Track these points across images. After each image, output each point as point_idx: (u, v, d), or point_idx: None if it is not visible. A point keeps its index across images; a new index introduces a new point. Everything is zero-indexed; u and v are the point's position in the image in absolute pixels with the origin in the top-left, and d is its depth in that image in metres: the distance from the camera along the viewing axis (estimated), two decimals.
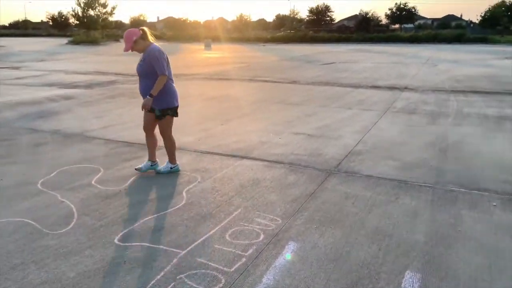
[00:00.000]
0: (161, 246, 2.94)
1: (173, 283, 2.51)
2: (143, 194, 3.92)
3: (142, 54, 4.14)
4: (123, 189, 4.03)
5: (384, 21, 65.59)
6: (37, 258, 2.77)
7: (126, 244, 2.97)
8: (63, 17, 58.76)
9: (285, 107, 8.57)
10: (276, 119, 7.29)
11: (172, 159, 4.49)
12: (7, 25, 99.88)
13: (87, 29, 43.53)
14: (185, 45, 42.34)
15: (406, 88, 11.10)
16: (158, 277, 2.58)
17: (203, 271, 2.65)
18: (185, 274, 2.60)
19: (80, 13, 42.66)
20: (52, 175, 4.40)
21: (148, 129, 4.39)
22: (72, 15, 44.52)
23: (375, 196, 3.86)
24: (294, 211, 3.54)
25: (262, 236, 3.11)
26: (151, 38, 4.14)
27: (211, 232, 3.16)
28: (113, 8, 44.00)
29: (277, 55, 26.30)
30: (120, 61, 21.74)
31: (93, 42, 40.06)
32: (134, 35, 4.00)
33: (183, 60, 22.45)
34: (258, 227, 3.25)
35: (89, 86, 11.84)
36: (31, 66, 18.17)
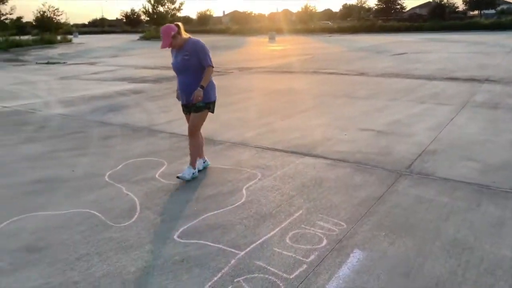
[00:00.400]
0: (220, 246, 2.86)
1: (230, 287, 2.41)
2: (204, 189, 3.88)
3: (178, 50, 4.01)
4: (185, 183, 4.03)
5: (461, 7, 61.12)
6: (100, 250, 2.82)
7: (185, 241, 2.93)
8: (135, 14, 61.89)
9: (351, 101, 8.19)
10: (341, 114, 6.98)
11: (193, 161, 4.17)
12: (87, 23, 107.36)
13: (156, 25, 45.39)
14: (250, 38, 42.61)
15: (487, 80, 10.13)
16: (215, 278, 2.50)
17: (262, 275, 2.52)
18: (243, 278, 2.50)
19: (150, 10, 44.59)
20: (119, 167, 4.53)
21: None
22: (143, 12, 46.73)
23: (452, 202, 3.48)
24: (361, 216, 3.29)
25: (324, 242, 2.91)
26: (185, 34, 4.01)
27: (270, 234, 3.02)
28: (181, 4, 45.44)
29: (343, 46, 25.49)
30: None
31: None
32: (172, 30, 3.88)
33: (247, 54, 22.55)
34: (320, 231, 3.06)
35: (157, 80, 12.25)
36: (105, 62, 19.27)
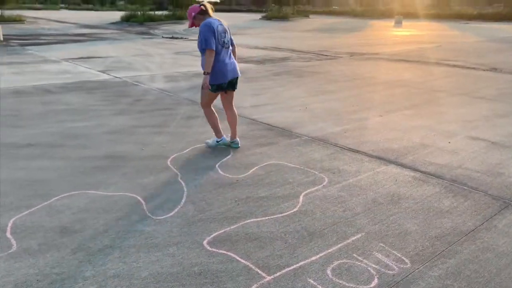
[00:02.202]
0: (248, 263, 2.48)
1: None
2: (258, 188, 3.50)
3: None
4: (241, 179, 3.71)
5: None
6: (124, 244, 2.66)
7: (213, 249, 2.61)
8: None
9: (470, 101, 6.93)
10: (452, 116, 5.90)
11: (216, 134, 4.51)
12: (218, 1, 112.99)
13: (280, 5, 45.43)
14: (374, 22, 40.07)
15: None
16: None
17: None
18: None
19: None
20: (185, 151, 4.40)
21: (224, 106, 4.53)
22: None
23: None
24: (434, 254, 2.59)
25: (374, 282, 2.32)
26: (211, 13, 4.12)
27: (311, 259, 2.53)
28: None
29: (480, 35, 22.26)
30: (301, 37, 21.84)
31: (284, 17, 41.53)
32: (193, 11, 4.04)
33: (365, 38, 21.12)
34: (374, 266, 2.47)
35: (261, 61, 12.07)
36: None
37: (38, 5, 69.35)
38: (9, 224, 2.86)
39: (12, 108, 6.13)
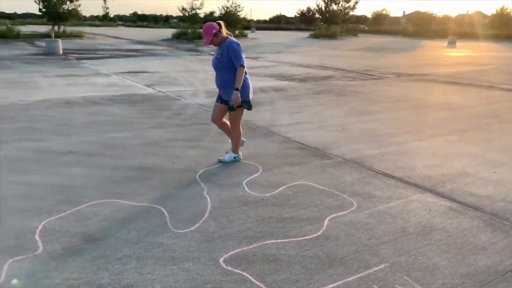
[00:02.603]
0: (261, 285, 2.42)
1: None
2: (282, 209, 3.44)
3: (218, 48, 4.22)
4: (267, 198, 3.66)
5: None
6: (143, 255, 2.69)
7: (228, 268, 2.58)
8: (311, 12, 63.23)
9: None
10: (501, 144, 5.55)
11: (236, 149, 4.56)
12: (267, 19, 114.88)
13: (328, 24, 45.41)
14: (427, 42, 39.01)
15: None
16: None
17: None
18: None
19: (323, 8, 44.77)
20: (215, 166, 4.43)
21: (216, 120, 4.52)
22: (316, 10, 47.31)
23: None
24: None
25: None
26: (226, 32, 4.22)
27: (327, 286, 2.43)
28: (356, 2, 44.25)
29: None
30: (348, 56, 21.65)
31: (332, 36, 41.53)
32: (214, 28, 4.08)
33: (415, 58, 20.56)
34: None
35: (304, 79, 12.05)
36: (266, 57, 20.04)
37: (97, 22, 73.87)
38: (39, 227, 2.99)
39: (62, 117, 6.48)
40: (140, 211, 3.33)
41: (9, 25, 29.13)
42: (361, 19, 76.43)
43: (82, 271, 2.49)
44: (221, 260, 2.67)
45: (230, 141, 4.61)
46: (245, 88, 4.21)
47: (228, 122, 4.50)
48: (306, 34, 47.77)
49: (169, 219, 3.19)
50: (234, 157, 4.55)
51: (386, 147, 5.30)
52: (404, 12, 75.48)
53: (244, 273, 2.53)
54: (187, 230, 3.04)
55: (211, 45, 4.20)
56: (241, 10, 40.54)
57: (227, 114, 4.44)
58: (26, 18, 79.94)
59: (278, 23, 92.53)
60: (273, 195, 3.72)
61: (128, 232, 2.98)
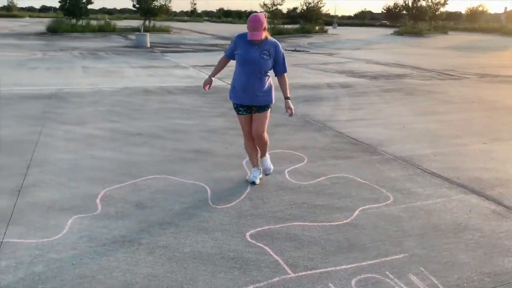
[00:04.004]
0: (278, 259, 2.65)
1: None
2: (317, 197, 3.61)
3: (255, 44, 3.46)
4: (304, 186, 3.85)
5: None
6: (181, 223, 3.05)
7: (253, 241, 2.84)
8: (398, 8, 60.41)
9: None
10: None
11: (264, 154, 3.95)
12: (352, 15, 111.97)
13: (415, 20, 43.12)
14: None
15: None
16: None
17: None
18: None
19: (410, 4, 42.59)
20: None
21: (250, 133, 3.81)
22: (402, 6, 45.15)
23: None
24: None
25: None
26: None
27: (340, 267, 2.58)
28: None
29: None
30: (431, 54, 20.54)
31: (418, 33, 39.36)
32: (264, 21, 3.40)
33: (507, 59, 18.88)
34: (403, 286, 2.41)
35: (375, 77, 11.81)
36: (343, 54, 19.78)
37: (185, 18, 77.95)
38: (101, 193, 3.51)
39: (138, 103, 7.21)
40: (187, 187, 3.72)
41: (107, 20, 32.01)
42: (454, 16, 71.24)
43: (128, 230, 2.92)
44: (247, 234, 2.94)
45: (260, 156, 3.97)
46: (272, 92, 3.69)
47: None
48: (390, 31, 45.82)
49: (210, 196, 3.54)
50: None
51: (442, 148, 5.16)
52: (505, 8, 68.71)
53: (265, 247, 2.77)
54: (223, 206, 3.36)
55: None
56: (323, 6, 40.18)
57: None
58: (124, 13, 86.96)
59: (363, 19, 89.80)
60: (311, 184, 3.90)
61: (173, 203, 3.38)
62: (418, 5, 42.19)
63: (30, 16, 70.75)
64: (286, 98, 3.63)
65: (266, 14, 3.62)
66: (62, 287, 2.30)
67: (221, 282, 2.40)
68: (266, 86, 3.59)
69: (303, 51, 21.21)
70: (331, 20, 58.17)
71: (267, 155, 3.98)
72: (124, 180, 3.81)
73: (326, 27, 42.18)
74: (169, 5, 34.60)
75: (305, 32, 36.78)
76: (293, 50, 21.29)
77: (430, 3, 42.17)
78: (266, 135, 3.82)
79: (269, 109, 3.74)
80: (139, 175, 3.93)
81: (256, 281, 2.41)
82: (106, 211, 3.20)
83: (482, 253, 2.80)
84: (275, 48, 3.51)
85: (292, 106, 3.65)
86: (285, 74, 3.62)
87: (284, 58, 3.58)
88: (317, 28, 39.08)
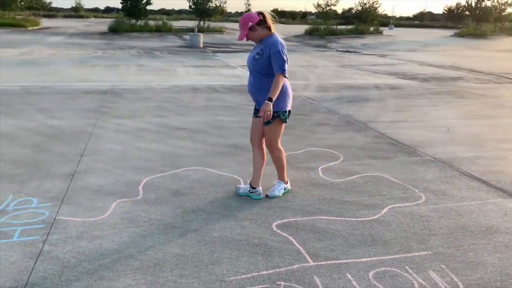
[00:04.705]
0: (300, 248, 2.77)
1: (267, 285, 2.37)
2: (347, 194, 3.67)
3: (258, 44, 3.31)
4: (336, 183, 3.92)
5: None
6: (212, 210, 3.25)
7: (278, 231, 2.98)
8: (460, 8, 57.58)
9: None
10: None
11: (282, 176, 3.59)
12: (411, 16, 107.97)
13: (478, 21, 40.86)
14: None
15: None
16: (264, 272, 2.49)
17: None
18: (285, 284, 2.38)
19: (473, 4, 40.40)
20: (298, 151, 4.82)
21: (253, 138, 3.54)
22: (465, 6, 42.94)
23: None
24: None
25: None
26: (272, 27, 3.25)
27: (361, 259, 2.65)
28: None
29: None
30: (491, 57, 19.47)
31: (481, 35, 37.26)
32: (251, 20, 3.17)
33: None
34: (421, 281, 2.44)
35: (427, 79, 11.46)
36: (396, 55, 19.27)
37: (239, 18, 79.07)
38: (144, 181, 3.80)
39: (185, 100, 7.57)
40: (222, 179, 3.93)
41: (164, 20, 33.34)
42: None
43: (164, 215, 3.17)
44: (274, 224, 3.08)
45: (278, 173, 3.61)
46: (283, 96, 3.28)
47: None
48: (450, 32, 43.79)
49: (242, 188, 3.71)
50: (284, 188, 3.62)
51: (486, 152, 4.99)
52: None
53: (290, 237, 2.90)
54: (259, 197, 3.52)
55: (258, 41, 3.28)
56: (379, 6, 39.22)
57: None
58: (181, 14, 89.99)
59: (422, 20, 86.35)
60: (343, 182, 3.96)
61: (207, 193, 3.60)
62: (482, 5, 39.92)
63: (95, 17, 75.34)
64: (267, 98, 3.15)
65: (266, 13, 3.29)
66: (102, 259, 2.58)
67: (244, 265, 2.56)
68: (266, 91, 3.21)
69: (355, 52, 20.93)
70: (387, 21, 56.57)
71: (277, 184, 3.59)
72: (166, 170, 4.09)
73: (382, 28, 41.12)
74: (224, 6, 35.44)
75: (358, 33, 36.14)
76: (344, 51, 21.08)
77: (496, 3, 39.79)
78: (277, 152, 3.50)
79: (276, 120, 3.32)
80: (179, 166, 4.20)
81: (276, 267, 2.55)
82: (146, 197, 3.48)
83: (510, 256, 2.74)
84: (270, 47, 3.17)
85: (266, 109, 3.12)
86: (280, 74, 3.15)
87: (277, 57, 3.14)
88: (371, 29, 38.22)
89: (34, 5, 49.85)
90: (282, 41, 3.25)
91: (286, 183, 3.66)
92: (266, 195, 3.54)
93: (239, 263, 2.58)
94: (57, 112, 6.34)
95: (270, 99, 3.15)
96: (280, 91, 3.21)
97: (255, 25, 3.20)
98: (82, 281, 2.36)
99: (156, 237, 2.86)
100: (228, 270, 2.50)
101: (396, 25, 59.98)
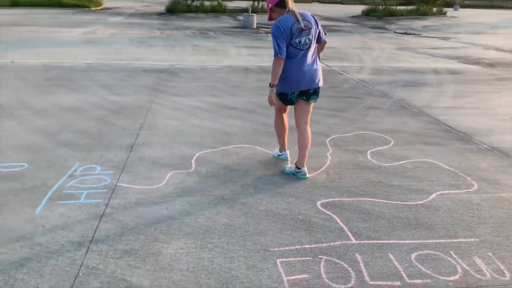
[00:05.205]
0: (344, 227, 2.83)
1: (309, 258, 2.47)
2: (395, 177, 3.65)
3: None
4: (384, 167, 3.90)
5: None
6: (260, 186, 3.39)
7: (322, 209, 3.06)
8: None
9: None
10: None
11: (280, 146, 3.93)
12: None
13: None
14: None
15: None
16: (307, 246, 2.58)
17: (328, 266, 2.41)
18: (326, 258, 2.47)
19: None
20: (347, 134, 4.81)
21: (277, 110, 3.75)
22: None
23: None
24: None
25: (454, 277, 2.33)
26: (291, 7, 3.29)
27: (403, 241, 2.68)
28: None
29: None
30: None
31: None
32: (271, 2, 3.32)
33: None
34: (465, 267, 2.43)
35: (492, 64, 10.78)
36: (459, 38, 18.19)
37: None
38: (196, 155, 4.01)
39: (237, 81, 7.72)
40: (270, 157, 4.04)
41: (219, 1, 33.55)
42: None
43: (215, 187, 3.35)
44: (318, 202, 3.16)
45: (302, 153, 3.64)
46: (285, 77, 3.36)
47: (302, 129, 3.64)
48: None
49: (288, 167, 3.81)
50: (279, 155, 3.95)
51: None
52: None
53: (333, 215, 2.97)
54: (308, 175, 3.60)
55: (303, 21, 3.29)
56: None
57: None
58: None
59: (491, 0, 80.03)
60: (392, 166, 3.93)
61: (256, 169, 3.74)
62: None
63: None
64: (269, 84, 3.39)
65: None
66: (157, 223, 2.80)
67: (287, 238, 2.68)
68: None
69: (414, 34, 19.99)
70: (452, 1, 53.12)
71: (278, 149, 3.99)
72: (217, 146, 4.28)
73: (446, 9, 38.73)
74: None
75: (420, 14, 34.31)
76: (403, 33, 20.20)
77: None
78: (275, 116, 3.82)
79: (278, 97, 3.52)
80: (229, 143, 4.37)
81: (318, 242, 2.64)
82: (198, 170, 3.68)
83: None
84: (271, 30, 3.32)
85: (269, 95, 3.39)
86: (275, 58, 3.28)
87: (272, 41, 3.29)
88: (434, 10, 36.13)
89: None
90: (284, 23, 3.23)
91: (281, 153, 3.93)
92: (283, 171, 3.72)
93: (283, 235, 2.70)
94: (118, 88, 6.73)
95: (270, 85, 3.37)
96: (282, 76, 3.33)
97: (274, 7, 3.34)
98: (139, 241, 2.59)
99: (206, 206, 3.04)
100: (272, 241, 2.63)
101: (462, 6, 56.11)
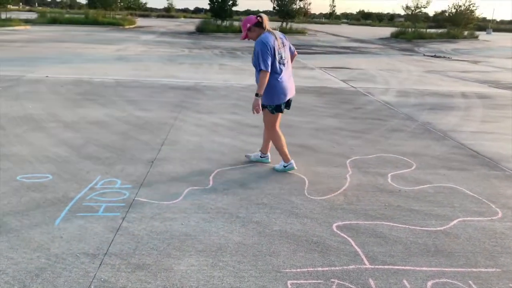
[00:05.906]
0: (358, 250, 2.77)
1: (321, 280, 2.42)
2: (415, 202, 3.56)
3: None
4: (405, 191, 3.81)
5: None
6: (275, 206, 3.37)
7: (337, 231, 3.01)
8: None
9: None
10: None
11: (283, 157, 4.14)
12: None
13: None
14: None
15: None
16: (320, 269, 2.54)
17: None
18: (339, 281, 2.42)
19: None
20: (369, 156, 4.74)
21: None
22: None
23: None
24: None
25: None
26: (268, 27, 3.76)
27: (420, 268, 2.59)
28: None
29: None
30: None
31: None
32: (249, 22, 3.74)
33: None
34: None
35: None
36: (490, 62, 17.81)
37: (323, 20, 78.45)
38: (214, 172, 4.04)
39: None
40: (288, 176, 4.03)
41: None
42: None
43: (230, 205, 3.36)
44: (334, 225, 3.11)
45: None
46: (269, 92, 3.77)
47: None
48: None
49: (307, 187, 3.78)
50: (284, 166, 4.14)
51: None
52: None
53: (349, 238, 2.92)
54: (317, 198, 3.57)
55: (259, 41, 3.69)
56: (476, 9, 36.37)
57: None
58: (267, 15, 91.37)
59: None
60: (413, 190, 3.84)
61: (272, 188, 3.73)
62: None
63: (184, 17, 79.80)
64: (255, 94, 3.74)
65: (264, 16, 3.82)
66: (170, 239, 2.82)
67: (300, 259, 2.64)
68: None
69: (444, 57, 19.71)
70: (485, 25, 52.28)
71: (259, 152, 4.39)
72: (236, 163, 4.30)
73: (477, 33, 38.13)
74: (308, 7, 35.41)
75: (450, 37, 33.94)
76: (432, 56, 19.97)
77: None
78: (270, 133, 4.12)
79: (265, 110, 3.94)
80: (248, 161, 4.38)
81: (332, 265, 2.59)
82: (215, 186, 3.71)
83: None
84: (254, 46, 3.71)
85: (253, 104, 3.75)
86: (262, 71, 3.64)
87: (256, 56, 3.66)
88: (465, 33, 35.63)
89: (131, 5, 54.09)
90: (268, 40, 3.65)
91: (287, 163, 4.13)
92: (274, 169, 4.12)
93: (296, 257, 2.67)
94: (144, 104, 6.91)
95: (256, 94, 3.72)
96: (267, 87, 3.72)
97: (252, 26, 3.76)
98: (151, 256, 2.61)
99: (220, 224, 3.05)
100: (284, 262, 2.60)
101: (495, 29, 55.15)
